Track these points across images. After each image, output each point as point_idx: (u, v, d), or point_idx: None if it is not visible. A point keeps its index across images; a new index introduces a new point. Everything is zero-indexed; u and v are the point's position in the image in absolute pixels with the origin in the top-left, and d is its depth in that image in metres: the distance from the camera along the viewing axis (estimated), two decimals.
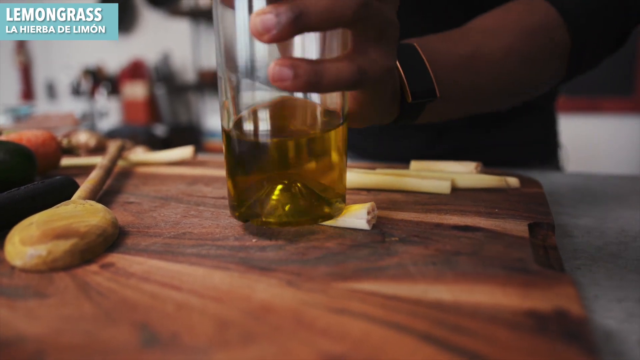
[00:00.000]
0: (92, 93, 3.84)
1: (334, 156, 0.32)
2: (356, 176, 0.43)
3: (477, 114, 0.51)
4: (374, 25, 0.28)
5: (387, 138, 0.74)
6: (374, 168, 0.49)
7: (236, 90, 0.31)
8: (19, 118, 1.96)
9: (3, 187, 0.39)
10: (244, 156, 0.32)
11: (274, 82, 0.25)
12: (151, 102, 3.67)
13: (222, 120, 0.33)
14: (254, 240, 0.30)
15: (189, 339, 0.19)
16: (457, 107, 0.46)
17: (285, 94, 0.30)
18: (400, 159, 0.59)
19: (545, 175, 0.63)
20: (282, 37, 0.25)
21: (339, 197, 0.33)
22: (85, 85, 3.86)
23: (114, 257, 0.28)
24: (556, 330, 0.19)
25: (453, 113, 0.48)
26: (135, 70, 3.76)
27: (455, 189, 0.42)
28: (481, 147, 0.72)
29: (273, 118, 0.31)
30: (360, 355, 0.18)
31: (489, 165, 0.64)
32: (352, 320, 0.20)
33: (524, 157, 0.73)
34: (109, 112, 3.84)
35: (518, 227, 0.32)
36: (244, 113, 0.31)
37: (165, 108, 3.68)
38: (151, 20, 3.86)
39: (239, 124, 0.31)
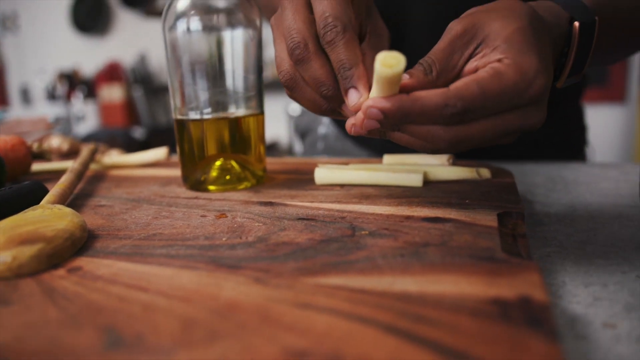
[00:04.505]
0: (68, 97, 3.79)
1: (255, 137, 0.46)
2: (329, 172, 0.43)
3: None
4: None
5: None
6: (347, 163, 0.49)
7: (183, 90, 0.44)
8: None
9: None
10: (190, 138, 0.45)
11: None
12: (129, 105, 3.63)
13: (173, 111, 0.46)
14: (224, 239, 0.30)
15: (154, 340, 0.19)
16: (615, 40, 0.46)
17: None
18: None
19: (520, 165, 0.64)
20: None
21: (261, 169, 0.47)
22: (61, 89, 3.81)
23: (82, 261, 0.28)
24: (519, 317, 0.20)
25: (616, 49, 0.49)
26: (112, 73, 3.71)
27: (427, 182, 0.43)
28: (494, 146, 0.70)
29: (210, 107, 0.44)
30: (323, 348, 0.18)
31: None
32: (317, 314, 0.20)
33: (538, 156, 0.70)
34: (86, 115, 3.79)
35: (487, 217, 0.32)
36: (191, 106, 0.44)
37: (143, 110, 3.64)
38: (126, 21, 3.82)
39: (185, 114, 0.45)
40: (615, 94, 2.63)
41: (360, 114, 0.31)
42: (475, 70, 0.31)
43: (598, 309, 0.26)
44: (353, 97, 0.32)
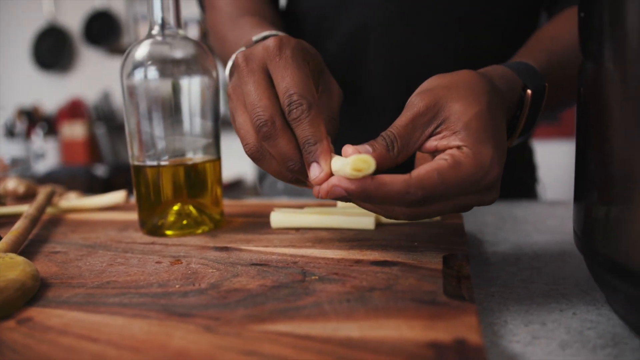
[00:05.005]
0: (27, 134, 3.71)
1: (212, 182, 0.47)
2: (284, 217, 0.44)
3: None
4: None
5: None
6: (302, 207, 0.50)
7: (141, 136, 0.44)
8: None
9: None
10: (147, 184, 0.45)
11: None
12: (91, 142, 3.58)
13: (130, 157, 0.46)
14: (177, 286, 0.31)
15: None
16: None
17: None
18: None
19: None
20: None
21: (218, 212, 0.48)
22: (20, 126, 3.73)
23: (33, 311, 0.28)
24: None
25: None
26: (74, 110, 3.66)
27: (380, 224, 0.44)
28: None
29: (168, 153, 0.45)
30: None
31: None
32: None
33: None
34: (46, 153, 3.71)
35: (433, 260, 0.34)
36: (149, 152, 0.45)
37: (106, 148, 3.59)
38: (90, 59, 3.79)
39: (143, 159, 0.45)
40: (567, 130, 2.74)
41: (325, 186, 0.32)
42: (435, 149, 0.33)
43: (536, 348, 0.28)
44: (315, 171, 0.33)
